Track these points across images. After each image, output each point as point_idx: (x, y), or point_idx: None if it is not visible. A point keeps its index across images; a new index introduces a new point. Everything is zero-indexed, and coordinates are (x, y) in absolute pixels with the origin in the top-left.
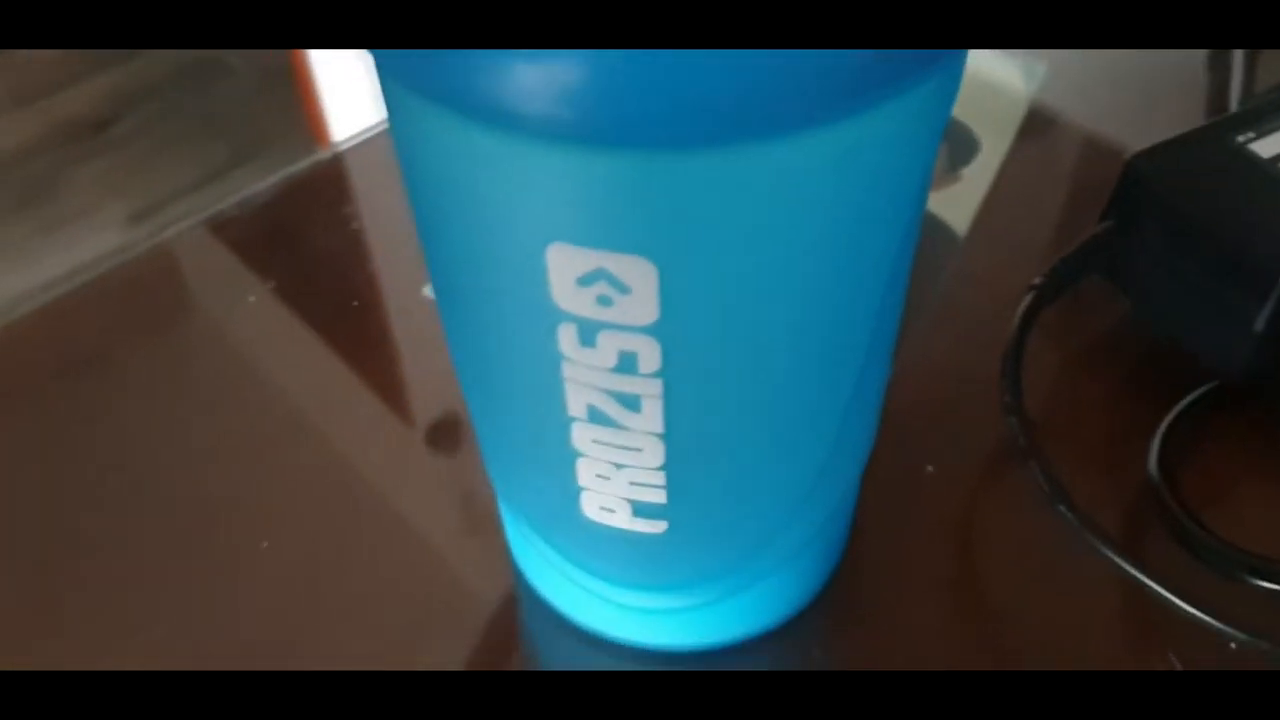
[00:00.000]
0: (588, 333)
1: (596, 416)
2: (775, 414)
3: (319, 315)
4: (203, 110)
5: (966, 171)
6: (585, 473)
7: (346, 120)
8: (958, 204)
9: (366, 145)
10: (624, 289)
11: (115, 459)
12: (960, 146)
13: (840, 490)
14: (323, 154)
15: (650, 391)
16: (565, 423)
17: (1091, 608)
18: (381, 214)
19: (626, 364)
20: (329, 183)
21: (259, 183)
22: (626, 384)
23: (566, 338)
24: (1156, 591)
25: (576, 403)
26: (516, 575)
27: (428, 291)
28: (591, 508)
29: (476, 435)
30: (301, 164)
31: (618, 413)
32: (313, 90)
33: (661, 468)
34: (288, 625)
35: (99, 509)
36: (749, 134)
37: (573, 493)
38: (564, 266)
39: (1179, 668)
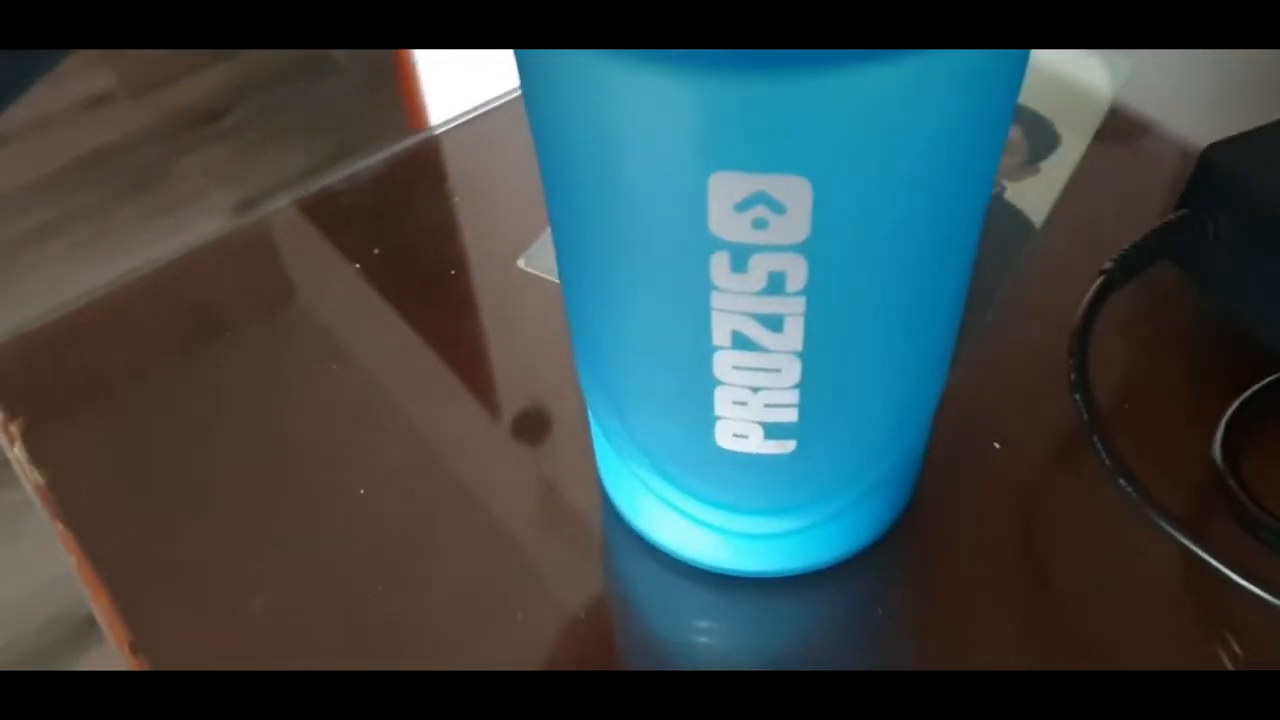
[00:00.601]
0: (740, 258)
1: (740, 342)
2: (897, 322)
3: (418, 283)
4: (310, 104)
5: (1045, 165)
6: (723, 401)
7: (446, 113)
8: (1035, 195)
9: (466, 127)
10: (780, 209)
11: (224, 413)
12: (1041, 140)
13: (929, 410)
14: (423, 134)
15: (794, 309)
16: (708, 352)
17: (1150, 582)
18: (478, 190)
19: (775, 284)
20: (429, 161)
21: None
22: (772, 305)
23: (719, 266)
24: (1214, 566)
25: (721, 331)
26: (604, 511)
27: (522, 263)
28: (725, 436)
29: (590, 383)
30: (404, 143)
31: (761, 335)
32: (415, 86)
33: (796, 386)
34: (366, 570)
35: (211, 456)
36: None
37: (708, 423)
38: (724, 194)
39: (1235, 644)
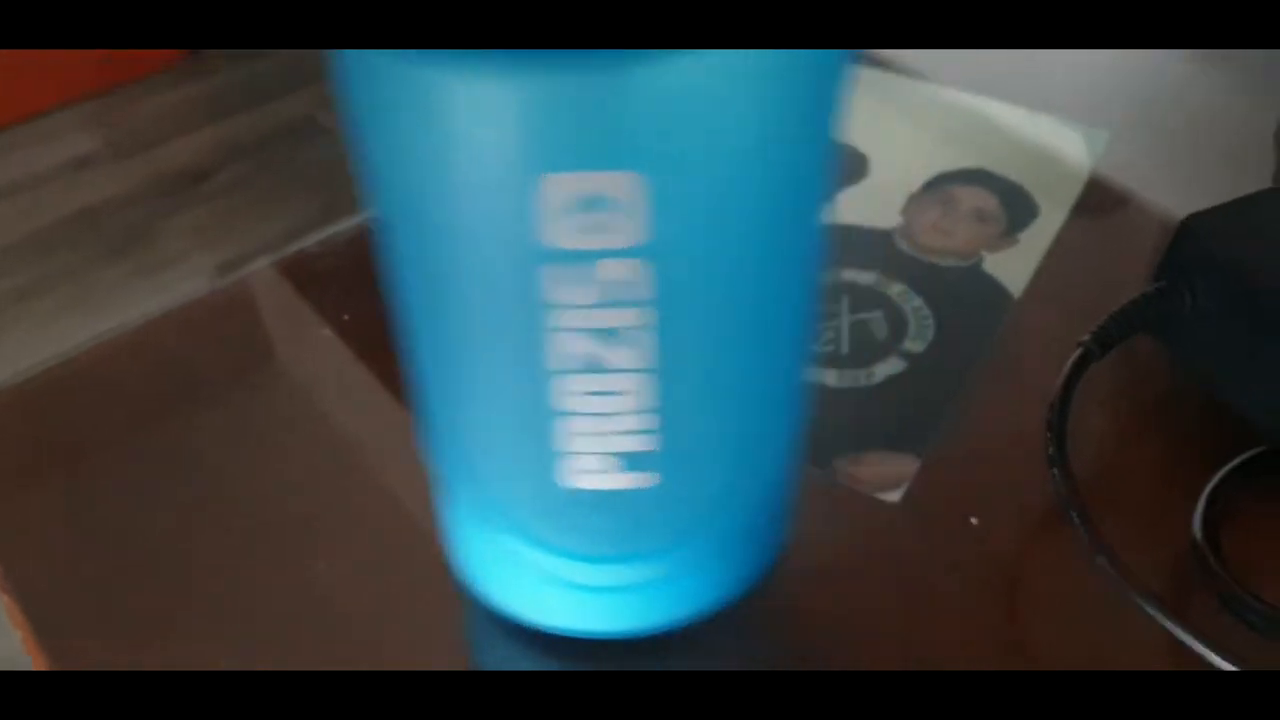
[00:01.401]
0: (577, 267)
1: (585, 363)
2: (751, 337)
3: (388, 349)
4: (295, 167)
5: (1023, 235)
6: (570, 432)
7: None
8: (1013, 266)
9: None
10: (614, 207)
11: (195, 474)
12: (1019, 211)
13: (792, 436)
14: None
15: (642, 322)
16: (545, 379)
17: (1129, 659)
18: None
19: (617, 295)
20: None
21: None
22: (617, 318)
23: (554, 278)
24: (1193, 647)
25: (562, 352)
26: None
27: None
28: (575, 472)
29: (437, 441)
30: None
31: (607, 353)
32: None
33: (653, 409)
34: (329, 634)
35: (172, 514)
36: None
37: (553, 460)
38: (556, 197)
39: None
